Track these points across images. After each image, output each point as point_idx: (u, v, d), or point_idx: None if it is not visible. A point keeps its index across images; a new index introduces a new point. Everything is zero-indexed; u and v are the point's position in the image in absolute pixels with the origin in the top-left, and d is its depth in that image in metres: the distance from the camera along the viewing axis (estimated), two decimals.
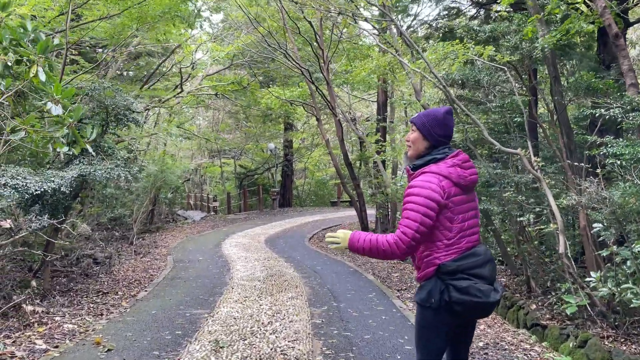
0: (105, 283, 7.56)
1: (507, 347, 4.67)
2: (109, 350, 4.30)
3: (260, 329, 4.90)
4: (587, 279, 5.32)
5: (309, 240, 14.04)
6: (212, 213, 24.64)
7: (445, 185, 2.35)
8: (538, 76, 8.89)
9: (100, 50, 16.08)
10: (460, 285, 2.29)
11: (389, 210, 14.23)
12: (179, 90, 16.47)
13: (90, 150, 3.63)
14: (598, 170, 5.76)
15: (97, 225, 14.28)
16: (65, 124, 3.39)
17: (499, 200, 7.52)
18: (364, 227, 13.36)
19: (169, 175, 14.79)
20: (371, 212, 16.06)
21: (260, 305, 5.95)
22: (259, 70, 18.81)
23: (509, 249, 9.12)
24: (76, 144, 3.60)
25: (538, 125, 8.32)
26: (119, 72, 17.30)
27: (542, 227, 6.51)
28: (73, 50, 13.10)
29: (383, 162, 14.57)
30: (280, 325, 5.06)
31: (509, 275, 8.61)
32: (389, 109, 15.40)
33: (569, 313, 5.57)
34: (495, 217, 8.49)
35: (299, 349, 4.29)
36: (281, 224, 17.90)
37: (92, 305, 6.08)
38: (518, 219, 6.74)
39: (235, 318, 5.34)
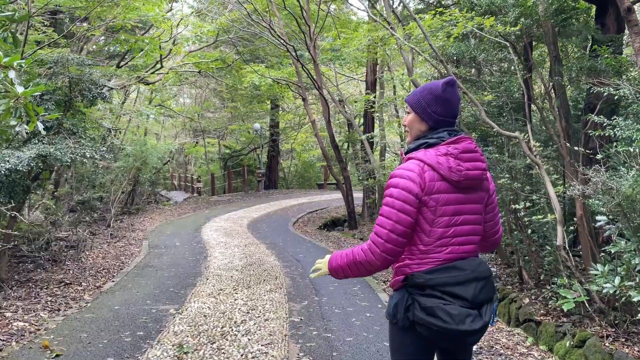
0: (71, 272, 7.03)
1: (502, 351, 4.26)
2: (57, 356, 3.80)
3: (232, 330, 4.43)
4: (592, 272, 4.93)
5: (293, 224, 13.57)
6: (195, 194, 24.07)
7: (429, 177, 1.89)
8: (534, 56, 8.42)
9: (78, 23, 15.27)
10: (425, 304, 1.84)
11: (377, 193, 13.81)
12: (159, 66, 15.76)
13: (41, 127, 3.12)
14: (598, 156, 5.35)
15: (78, 205, 13.74)
16: (12, 96, 2.90)
17: None
18: (350, 211, 12.92)
19: (150, 155, 14.14)
20: (358, 195, 15.63)
21: (235, 300, 5.48)
22: (245, 48, 18.08)
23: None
24: (29, 121, 3.14)
25: (534, 107, 7.88)
26: (96, 48, 16.50)
27: (538, 216, 6.11)
28: (44, 21, 12.34)
29: (371, 144, 14.08)
30: (254, 324, 4.60)
31: (500, 265, 8.24)
32: (377, 87, 14.85)
33: (565, 309, 5.21)
34: None
35: (272, 355, 3.83)
36: (265, 207, 17.41)
37: (50, 298, 5.56)
38: (512, 207, 6.32)
39: (205, 316, 4.86)
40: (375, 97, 13.98)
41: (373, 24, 12.18)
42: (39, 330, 4.45)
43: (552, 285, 5.96)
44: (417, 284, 1.88)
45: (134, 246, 9.64)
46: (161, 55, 15.04)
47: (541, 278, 6.41)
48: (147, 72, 16.06)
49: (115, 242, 10.20)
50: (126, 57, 14.69)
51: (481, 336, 1.91)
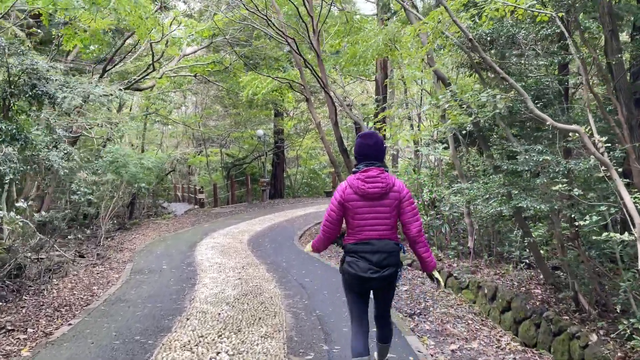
0: (24, 310, 5.71)
1: None
2: None
3: None
4: None
5: (299, 238, 12.23)
6: (196, 206, 22.83)
7: (347, 192, 3.31)
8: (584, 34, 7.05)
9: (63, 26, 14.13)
10: (347, 260, 3.33)
11: None
12: (151, 70, 14.51)
13: None
14: None
15: (38, 227, 12.52)
16: None
17: (540, 194, 5.71)
18: None
19: (127, 166, 12.86)
20: None
21: (218, 353, 4.12)
22: (242, 48, 16.81)
23: (542, 251, 7.39)
24: None
25: (585, 93, 6.51)
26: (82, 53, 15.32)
27: (611, 234, 4.73)
28: (22, 29, 11.24)
29: None
30: None
31: (543, 285, 6.84)
32: (388, 87, 13.49)
33: None
34: (527, 214, 6.73)
35: None
36: (270, 218, 16.08)
37: None
38: (578, 222, 4.93)
39: None
40: (380, 105, 12.68)
41: (381, 27, 10.90)
42: None
43: (632, 320, 4.60)
44: (347, 250, 3.35)
45: (114, 271, 8.33)
46: (152, 58, 13.79)
47: (617, 309, 5.00)
48: (138, 77, 14.87)
49: (95, 266, 8.92)
50: (114, 58, 13.46)
51: (383, 284, 3.32)
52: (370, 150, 3.29)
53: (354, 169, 3.35)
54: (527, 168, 5.30)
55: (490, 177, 6.05)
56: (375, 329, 3.58)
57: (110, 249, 11.29)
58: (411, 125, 14.80)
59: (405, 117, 13.54)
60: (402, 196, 3.29)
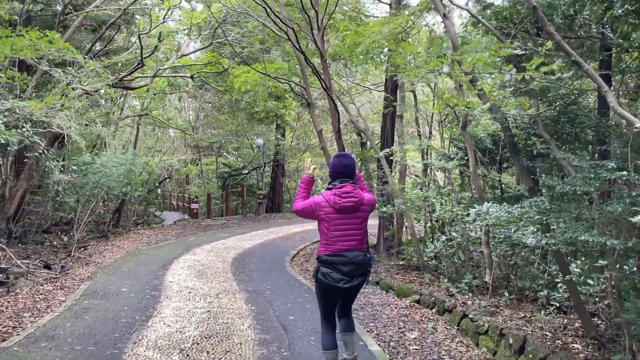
0: None
1: None
2: None
3: None
4: None
5: (291, 259, 10.81)
6: (187, 217, 21.46)
7: (323, 205, 3.69)
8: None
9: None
10: (323, 271, 3.66)
11: (395, 223, 10.98)
12: (140, 65, 13.21)
13: None
14: None
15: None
16: None
17: (596, 225, 4.33)
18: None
19: (93, 173, 11.56)
20: (372, 222, 12.77)
21: None
22: (242, 49, 15.55)
23: (582, 296, 5.98)
24: None
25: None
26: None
27: None
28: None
29: (390, 162, 11.37)
30: None
31: (582, 338, 5.39)
32: (398, 92, 12.13)
33: None
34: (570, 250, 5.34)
35: None
36: (263, 234, 14.70)
37: None
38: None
39: None
40: (394, 100, 11.37)
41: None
42: None
43: None
44: (322, 260, 3.69)
45: (64, 291, 6.93)
46: (141, 52, 12.51)
47: None
48: (126, 73, 13.59)
49: (51, 281, 7.57)
50: (94, 48, 12.14)
51: (353, 291, 3.80)
52: (346, 169, 3.77)
53: (328, 186, 3.80)
54: (592, 189, 3.91)
55: (532, 200, 4.69)
56: (338, 325, 3.95)
57: (78, 261, 9.96)
58: (420, 136, 13.45)
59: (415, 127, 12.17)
60: (371, 207, 3.84)
